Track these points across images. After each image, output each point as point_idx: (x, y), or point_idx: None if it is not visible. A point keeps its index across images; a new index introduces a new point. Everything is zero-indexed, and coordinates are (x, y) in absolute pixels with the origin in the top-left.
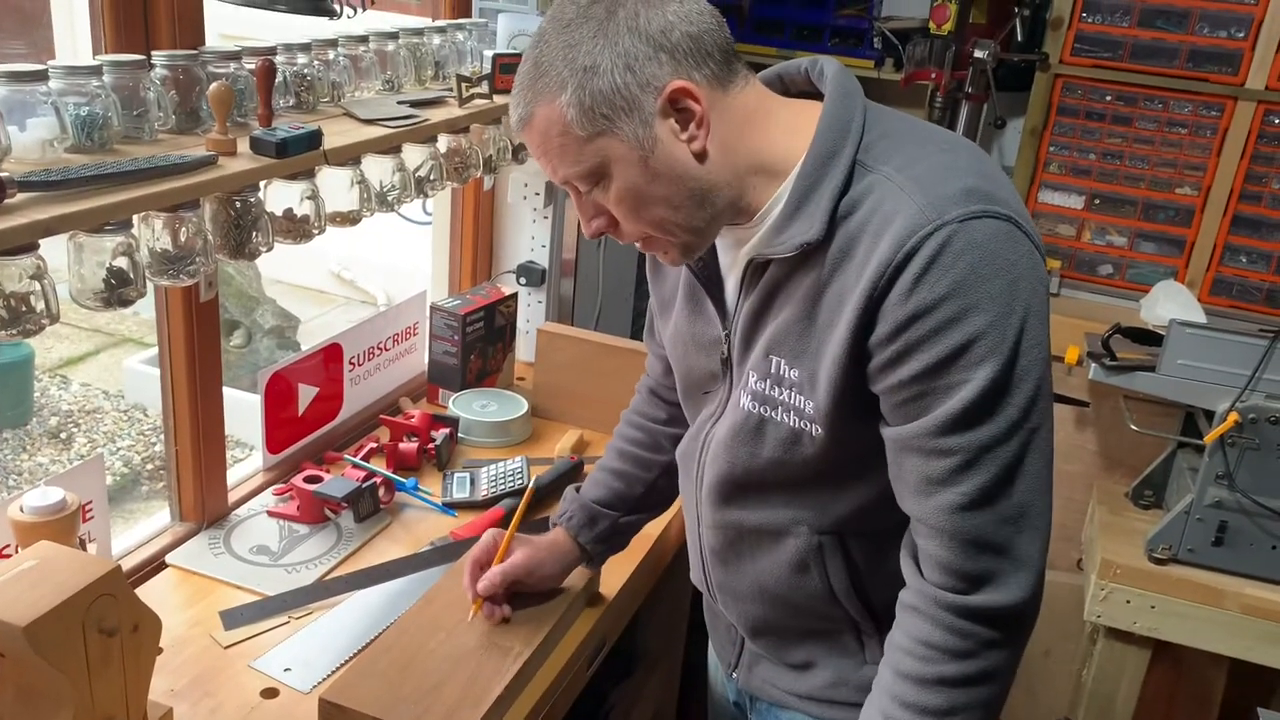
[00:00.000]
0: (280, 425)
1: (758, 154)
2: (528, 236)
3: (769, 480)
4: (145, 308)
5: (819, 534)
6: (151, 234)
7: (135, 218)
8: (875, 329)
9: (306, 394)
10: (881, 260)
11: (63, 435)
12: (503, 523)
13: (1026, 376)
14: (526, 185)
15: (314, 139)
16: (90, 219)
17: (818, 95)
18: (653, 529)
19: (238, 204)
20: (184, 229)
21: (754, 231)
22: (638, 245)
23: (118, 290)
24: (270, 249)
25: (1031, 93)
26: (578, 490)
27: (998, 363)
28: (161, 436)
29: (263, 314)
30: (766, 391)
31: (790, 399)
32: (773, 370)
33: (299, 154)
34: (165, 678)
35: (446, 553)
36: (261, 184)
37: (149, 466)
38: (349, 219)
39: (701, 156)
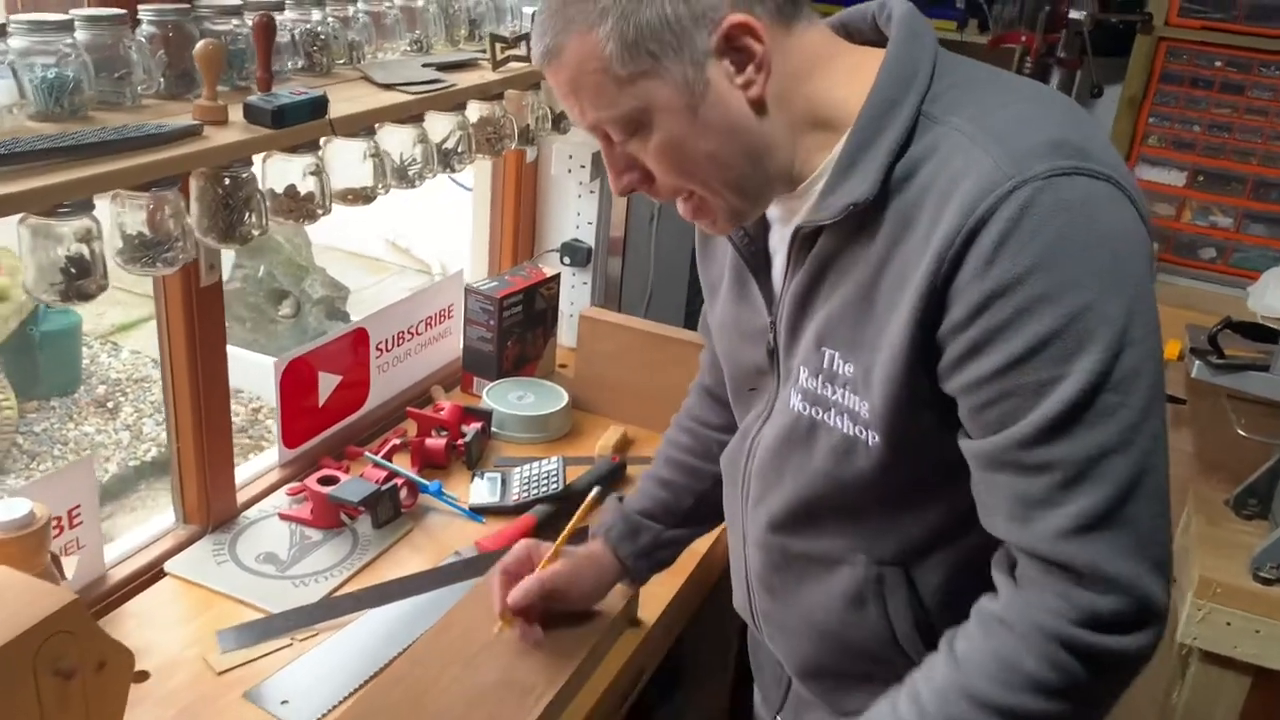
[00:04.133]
0: (298, 417)
1: (816, 106)
2: (572, 213)
3: (820, 496)
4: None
5: (879, 564)
6: (124, 215)
7: (108, 196)
8: (946, 314)
9: (328, 383)
10: (950, 228)
11: (109, 405)
12: (536, 532)
13: (1141, 369)
14: (571, 157)
15: (317, 106)
16: (38, 200)
17: (884, 44)
18: (700, 544)
19: (227, 180)
20: (162, 210)
21: (805, 199)
22: (678, 205)
23: (76, 282)
24: (264, 231)
25: (1131, 58)
26: (621, 500)
27: (1104, 351)
28: None
29: (311, 283)
30: (819, 390)
31: (844, 399)
32: (825, 364)
33: (299, 123)
34: (149, 709)
35: (470, 567)
36: (257, 158)
37: None
38: (361, 196)
39: (759, 106)
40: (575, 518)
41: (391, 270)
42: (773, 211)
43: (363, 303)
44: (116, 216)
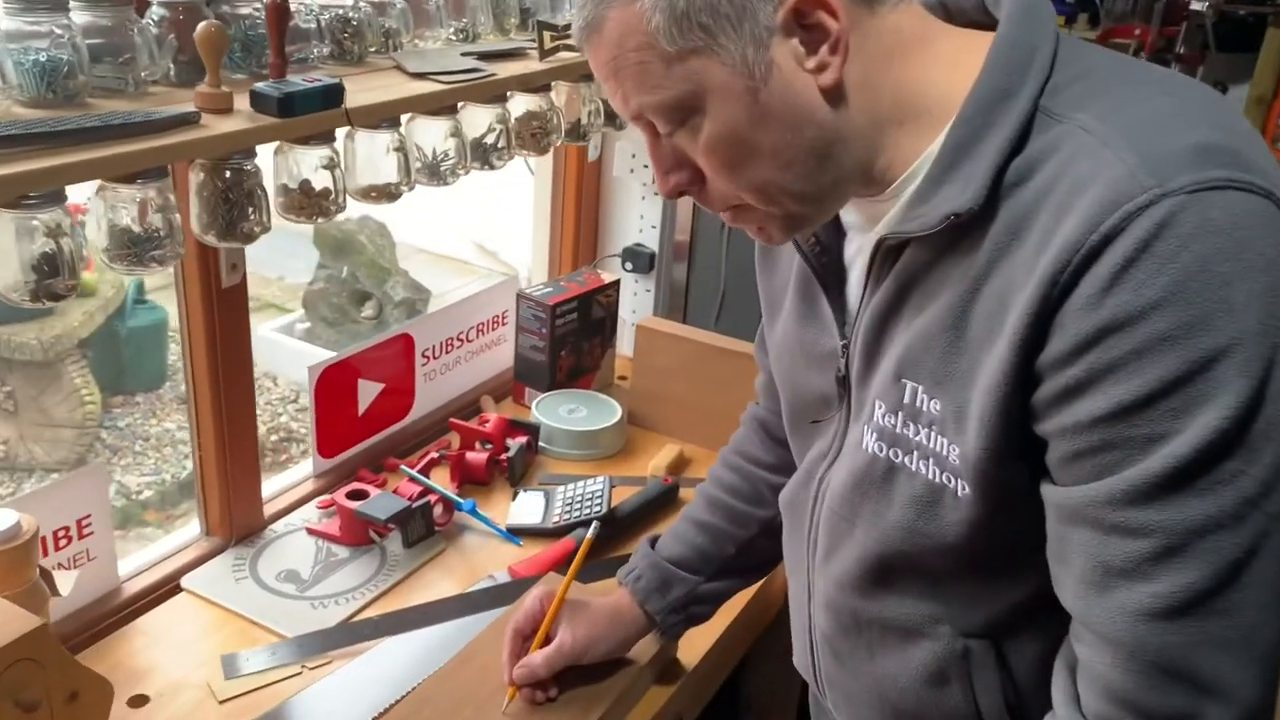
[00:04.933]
0: (335, 426)
1: (906, 96)
2: (635, 216)
3: (899, 553)
4: (291, 270)
5: (965, 636)
6: (110, 208)
7: (92, 187)
8: (1049, 343)
9: (368, 391)
10: (1067, 243)
11: None
12: (563, 567)
13: (1274, 433)
14: (634, 156)
15: (331, 95)
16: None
17: (993, 27)
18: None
19: (227, 173)
20: (151, 204)
21: (891, 203)
22: (724, 217)
23: (45, 282)
24: (266, 229)
25: (1261, 53)
26: (654, 545)
27: (1233, 409)
28: (288, 407)
29: (393, 286)
30: (897, 429)
31: (928, 441)
32: (906, 399)
33: (310, 113)
34: None
35: (499, 595)
36: (266, 150)
37: (274, 438)
38: (385, 193)
39: (833, 94)
40: (574, 564)
41: (478, 274)
42: (850, 216)
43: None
44: (103, 210)
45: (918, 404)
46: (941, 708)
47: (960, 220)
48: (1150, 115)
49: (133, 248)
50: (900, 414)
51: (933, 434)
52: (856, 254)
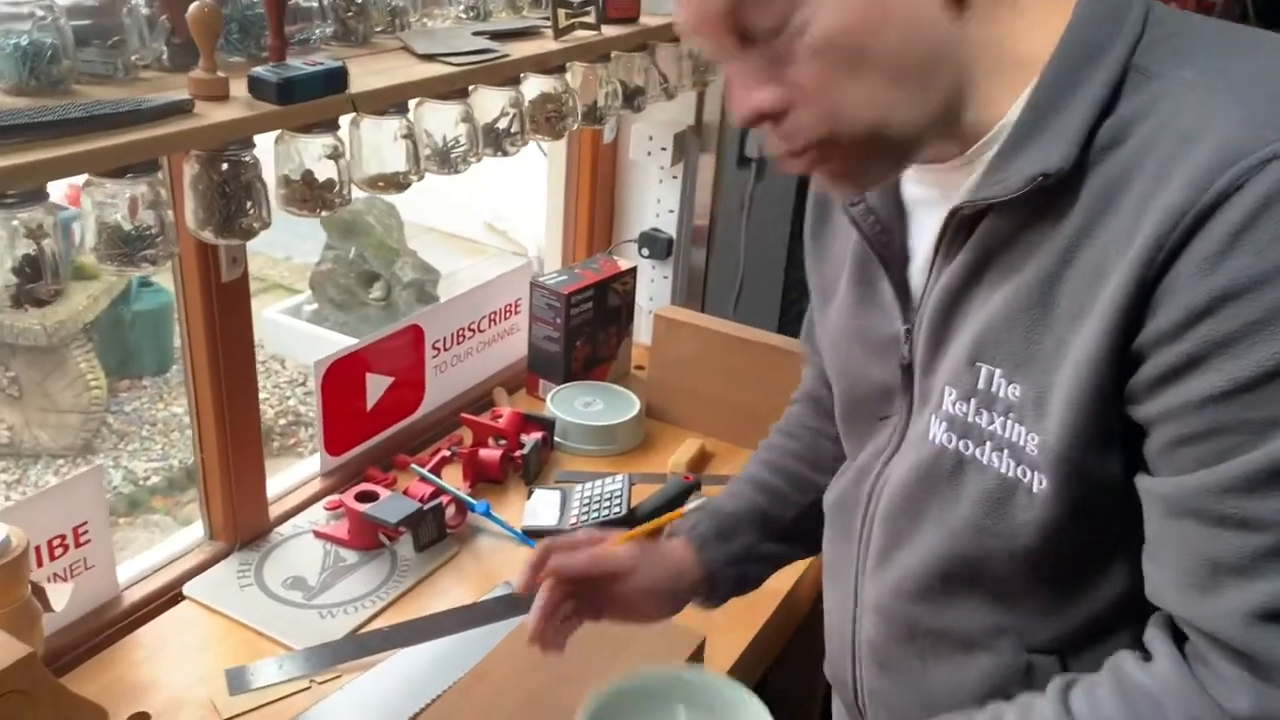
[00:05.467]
0: (343, 421)
1: (1002, 42)
2: (652, 199)
3: (964, 557)
4: (298, 251)
5: (1030, 651)
6: (98, 205)
7: (75, 184)
8: (1152, 318)
9: (377, 385)
10: (1174, 204)
11: None
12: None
13: None
14: (652, 139)
15: (333, 78)
16: None
17: None
18: (780, 580)
19: (224, 165)
20: (142, 200)
21: (967, 171)
22: (794, 164)
23: (27, 287)
24: (267, 225)
25: None
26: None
27: None
28: (295, 390)
29: (402, 266)
30: (969, 418)
31: (1004, 430)
32: (980, 384)
33: (312, 98)
34: None
35: (515, 604)
36: (265, 139)
37: (281, 422)
38: (393, 183)
39: (955, 4)
40: (644, 527)
41: (488, 253)
42: (915, 190)
43: (455, 287)
44: (91, 207)
45: (994, 389)
46: None
47: (1048, 182)
48: (1261, 70)
49: (124, 247)
50: (973, 401)
51: (1009, 422)
52: (924, 232)
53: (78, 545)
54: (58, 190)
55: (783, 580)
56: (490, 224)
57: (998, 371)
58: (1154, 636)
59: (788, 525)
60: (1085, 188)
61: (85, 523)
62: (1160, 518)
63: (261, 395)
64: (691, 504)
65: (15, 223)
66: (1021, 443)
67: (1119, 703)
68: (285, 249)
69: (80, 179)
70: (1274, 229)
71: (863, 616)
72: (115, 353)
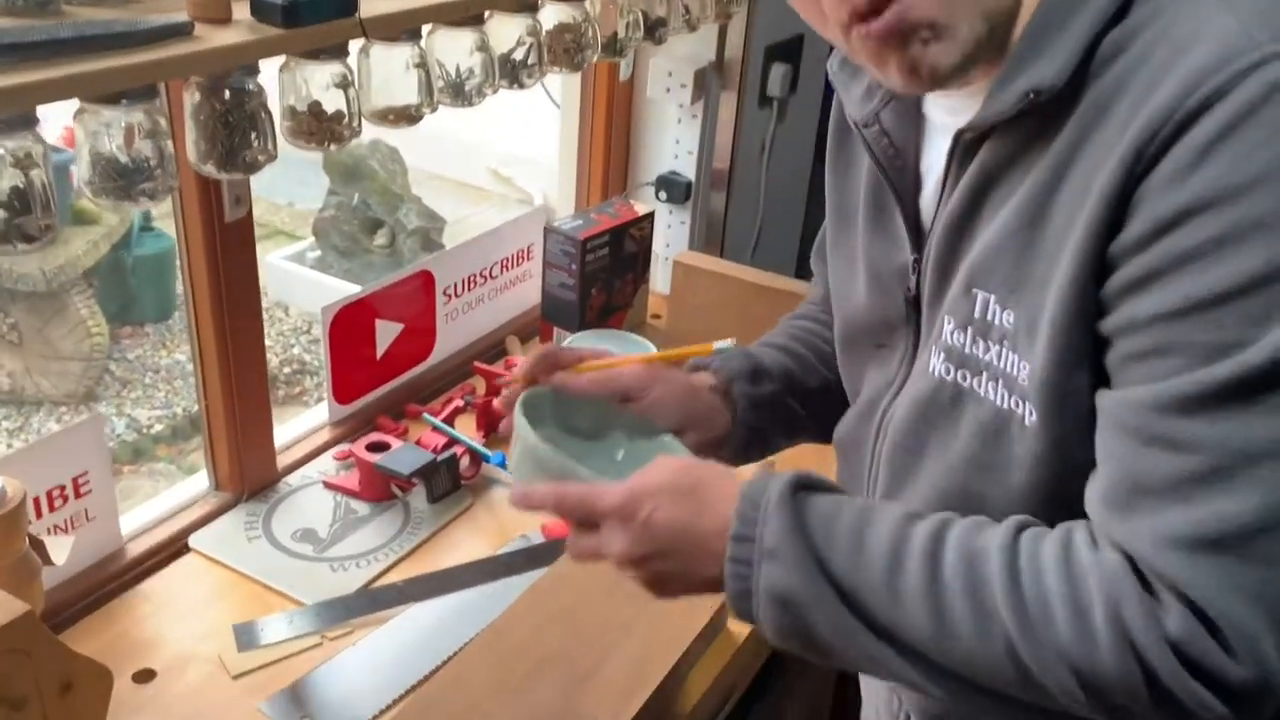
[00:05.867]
0: (352, 369)
1: None
2: (670, 140)
3: (962, 491)
4: (300, 197)
5: None
6: (91, 134)
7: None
8: (1125, 227)
9: (387, 332)
10: (1158, 109)
11: None
12: None
13: None
14: (670, 75)
15: (343, 2)
16: None
17: None
18: None
19: (226, 94)
20: (138, 129)
21: (978, 93)
22: (882, 49)
23: (15, 221)
24: (272, 158)
25: None
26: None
27: None
28: (300, 338)
29: (406, 213)
30: (966, 348)
31: (999, 360)
32: (976, 312)
33: (319, 21)
34: (150, 718)
35: (533, 557)
36: (269, 65)
37: (286, 370)
38: (404, 116)
39: None
40: (680, 352)
41: (493, 200)
42: (933, 114)
43: (461, 234)
44: (85, 136)
45: (989, 317)
46: None
47: (1040, 99)
48: None
49: (119, 179)
50: (970, 329)
51: (1004, 351)
52: (934, 158)
53: (78, 496)
54: (54, 132)
55: None
56: (496, 170)
57: (993, 298)
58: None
59: (812, 392)
60: (1082, 102)
61: (86, 473)
62: (1101, 431)
63: (266, 343)
64: (719, 344)
65: (1, 152)
66: (1014, 372)
67: (1059, 567)
68: (287, 194)
69: (73, 115)
70: (1254, 138)
71: None
72: (116, 299)
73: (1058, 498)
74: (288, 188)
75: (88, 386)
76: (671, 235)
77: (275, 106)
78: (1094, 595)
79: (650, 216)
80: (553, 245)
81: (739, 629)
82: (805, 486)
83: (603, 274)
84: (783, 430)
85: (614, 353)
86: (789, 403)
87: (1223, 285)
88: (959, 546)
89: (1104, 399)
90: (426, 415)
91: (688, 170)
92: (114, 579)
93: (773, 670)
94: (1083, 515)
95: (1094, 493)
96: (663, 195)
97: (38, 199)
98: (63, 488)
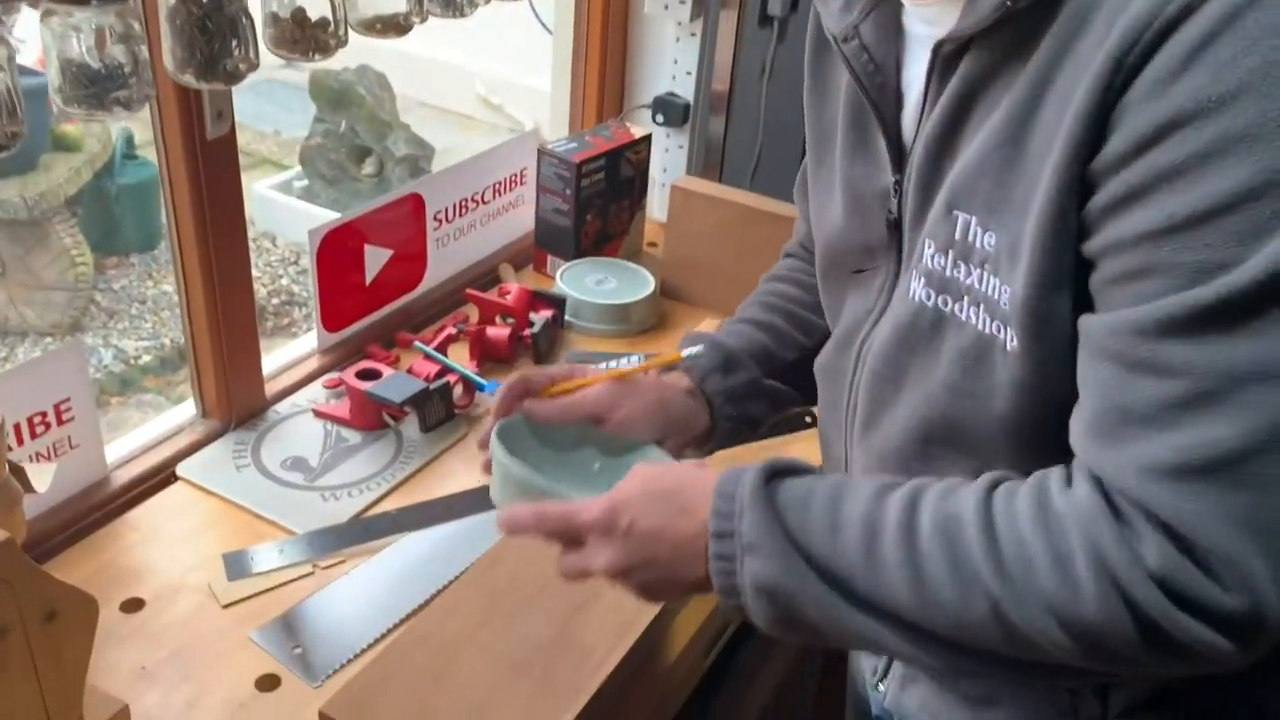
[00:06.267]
0: (341, 296)
1: None
2: (668, 61)
3: (944, 419)
4: (286, 124)
5: None
6: (61, 39)
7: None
8: (1106, 143)
9: (377, 257)
10: (1136, 17)
11: None
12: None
13: None
14: None
15: None
16: None
17: None
18: None
19: None
20: (110, 32)
21: (958, 2)
22: None
23: None
24: (254, 67)
25: None
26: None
27: None
28: (288, 269)
29: (395, 141)
30: (947, 271)
31: (980, 284)
32: (957, 235)
33: None
34: (136, 648)
35: None
36: None
37: (274, 301)
38: (392, 25)
39: None
40: (644, 365)
41: (482, 129)
42: (915, 25)
43: (450, 163)
44: (52, 40)
45: (970, 239)
46: None
47: (1019, 6)
48: None
49: (91, 86)
50: (951, 252)
51: (985, 275)
52: (914, 73)
53: (60, 423)
54: (29, 57)
55: None
56: (485, 98)
57: (974, 219)
58: (1079, 466)
59: (790, 364)
60: (1061, 13)
61: (67, 399)
62: (1083, 357)
63: (253, 274)
64: (686, 351)
65: None
66: (996, 296)
67: (1035, 519)
68: (273, 122)
69: (39, 17)
70: (1237, 45)
71: None
72: (101, 228)
73: (1039, 427)
74: (273, 115)
75: (73, 317)
76: (669, 160)
77: (258, 15)
78: (1073, 542)
79: (647, 139)
80: (546, 169)
81: None
82: (777, 473)
83: (598, 199)
84: (767, 410)
85: (589, 369)
86: (766, 384)
87: (1207, 203)
88: (933, 513)
89: (1086, 323)
90: (418, 343)
91: (686, 92)
92: (99, 508)
93: None
94: (1064, 447)
95: (1078, 423)
96: (660, 118)
97: (3, 104)
98: (44, 414)
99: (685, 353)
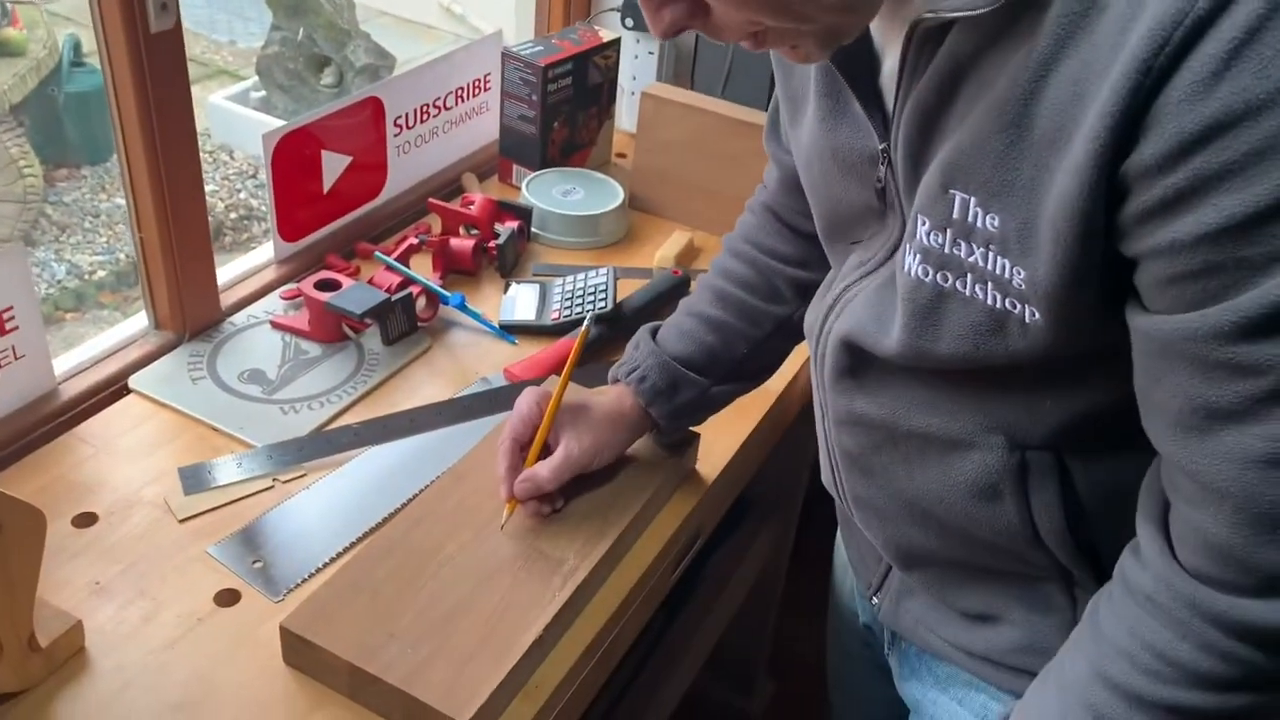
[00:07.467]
0: (298, 205)
1: None
2: None
3: (945, 371)
4: (242, 34)
5: (1024, 448)
6: None
7: None
8: (1138, 146)
9: (334, 164)
10: (1162, 17)
11: None
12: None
13: None
14: None
15: None
16: None
17: None
18: (774, 383)
19: None
20: None
21: None
22: (744, 45)
23: None
24: None
25: None
26: (655, 337)
27: None
28: (246, 183)
29: (354, 50)
30: (946, 249)
31: (986, 263)
32: (955, 214)
33: None
34: (89, 563)
35: (494, 400)
36: None
37: (233, 216)
38: None
39: None
40: (569, 362)
41: (445, 40)
42: None
43: None
44: None
45: (970, 219)
46: (991, 523)
47: None
48: None
49: None
50: (949, 231)
51: (990, 254)
52: (891, 37)
53: (3, 333)
54: None
55: (775, 383)
56: (448, 7)
57: (973, 200)
58: (1141, 524)
59: (740, 362)
60: None
61: (10, 308)
62: (1150, 355)
63: (210, 188)
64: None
65: None
66: (1006, 275)
67: (1128, 596)
68: (228, 31)
69: None
70: (1277, 42)
71: (832, 428)
72: (50, 139)
73: (1051, 371)
74: (228, 23)
75: (24, 230)
76: (639, 66)
77: None
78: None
79: (616, 44)
80: (511, 73)
81: (708, 471)
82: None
83: (565, 106)
84: (714, 410)
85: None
86: (714, 391)
87: (1265, 200)
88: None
89: (1147, 325)
90: (379, 254)
91: None
92: (48, 420)
93: (739, 513)
94: (1076, 377)
95: (1160, 422)
96: (629, 22)
97: None
98: None
99: (585, 322)
